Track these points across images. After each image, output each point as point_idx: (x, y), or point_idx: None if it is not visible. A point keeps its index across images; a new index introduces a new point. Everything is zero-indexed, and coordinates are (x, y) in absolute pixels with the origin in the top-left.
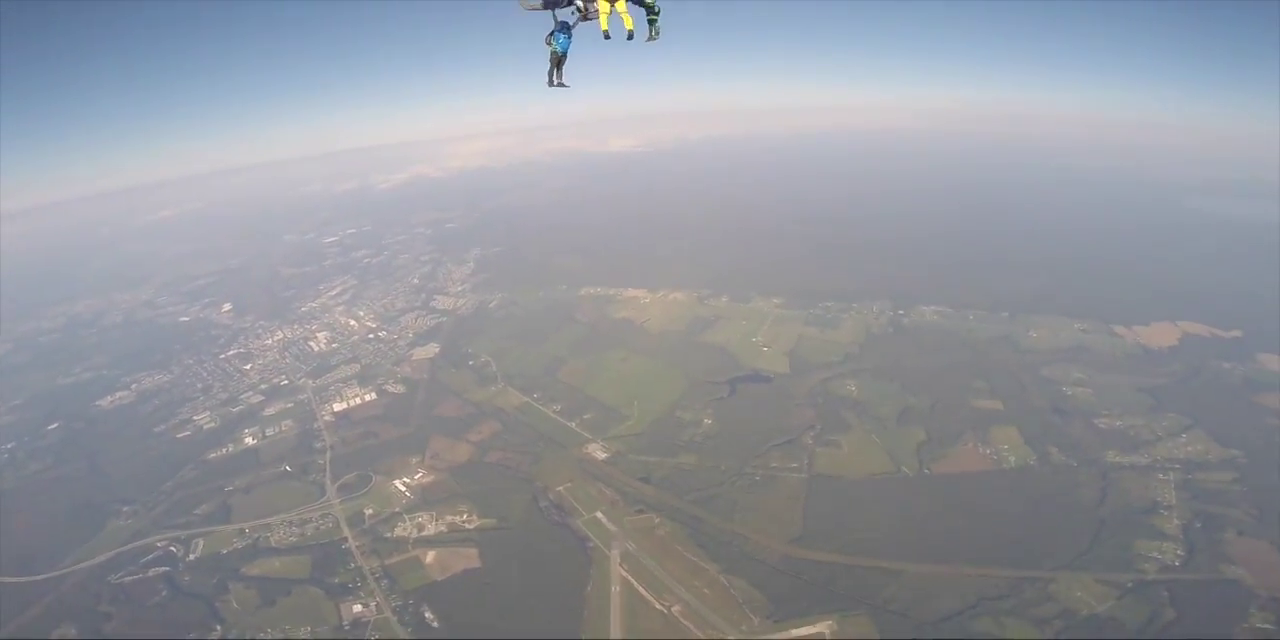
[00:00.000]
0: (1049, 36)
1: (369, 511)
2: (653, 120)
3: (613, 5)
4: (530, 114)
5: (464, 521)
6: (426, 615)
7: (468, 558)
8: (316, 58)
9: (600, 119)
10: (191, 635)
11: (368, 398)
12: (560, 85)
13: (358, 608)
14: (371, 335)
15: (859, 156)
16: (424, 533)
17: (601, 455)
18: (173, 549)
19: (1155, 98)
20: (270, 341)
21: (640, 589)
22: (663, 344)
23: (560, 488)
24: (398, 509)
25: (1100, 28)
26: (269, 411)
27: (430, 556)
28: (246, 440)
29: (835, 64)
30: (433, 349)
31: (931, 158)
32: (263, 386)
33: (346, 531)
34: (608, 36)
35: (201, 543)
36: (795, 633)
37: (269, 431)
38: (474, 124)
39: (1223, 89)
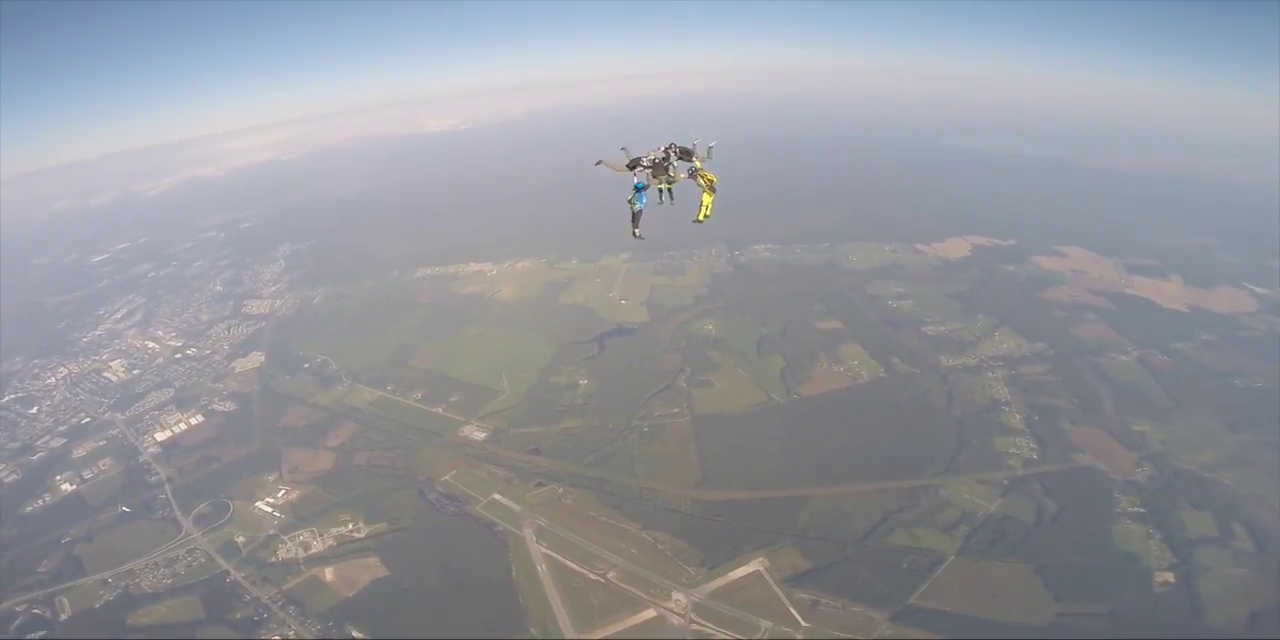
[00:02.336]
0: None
1: (240, 539)
2: (473, 97)
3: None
4: (327, 99)
5: (352, 531)
6: (354, 634)
7: (371, 567)
8: (26, 52)
9: (414, 99)
10: None
11: (194, 421)
12: (638, 237)
13: (277, 639)
14: (179, 355)
15: (673, 117)
16: (312, 551)
17: (481, 435)
18: (36, 611)
19: (912, 50)
20: (53, 380)
21: (568, 563)
22: (520, 312)
23: (446, 477)
24: (272, 531)
25: None
26: (78, 453)
27: (330, 574)
28: (63, 487)
29: (649, 33)
30: (257, 358)
31: (735, 115)
32: (60, 428)
33: (224, 564)
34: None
35: (66, 600)
36: (734, 575)
37: (86, 474)
38: (254, 115)
39: (964, 43)
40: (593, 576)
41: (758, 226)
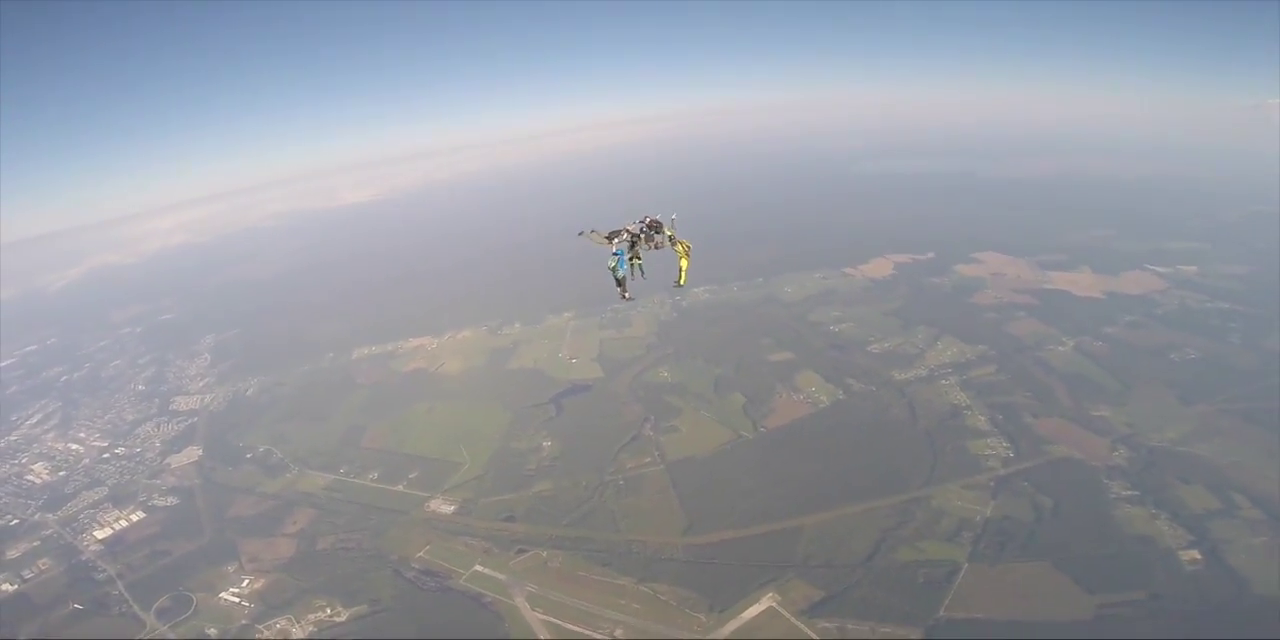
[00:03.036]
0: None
1: (212, 631)
2: (391, 164)
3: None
4: (236, 175)
5: (331, 616)
6: None
7: None
8: None
9: (328, 170)
10: None
11: (134, 517)
12: (628, 299)
13: None
14: (106, 454)
15: (593, 170)
16: (294, 638)
17: (449, 508)
18: None
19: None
20: None
21: (569, 626)
22: (468, 384)
23: (420, 553)
24: (244, 621)
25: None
26: (12, 554)
27: None
28: (3, 587)
29: (564, 89)
30: (193, 452)
31: (658, 164)
32: None
33: None
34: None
35: None
36: (747, 615)
37: (26, 574)
38: (160, 196)
39: (857, 71)
40: (598, 637)
41: (692, 270)
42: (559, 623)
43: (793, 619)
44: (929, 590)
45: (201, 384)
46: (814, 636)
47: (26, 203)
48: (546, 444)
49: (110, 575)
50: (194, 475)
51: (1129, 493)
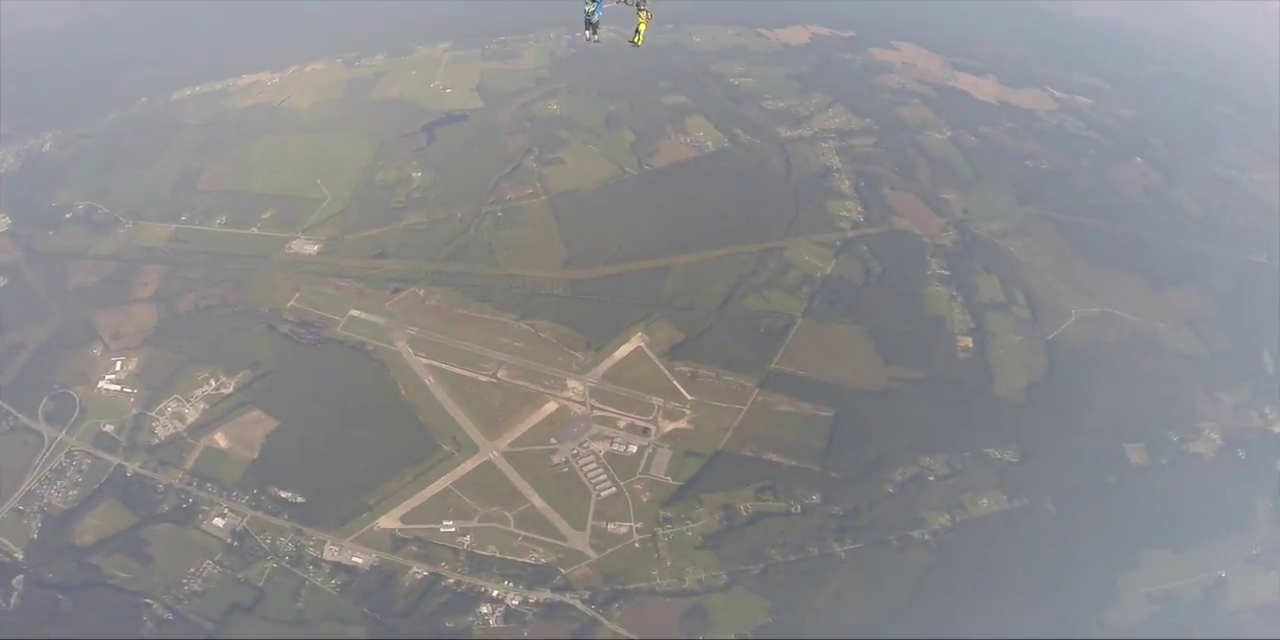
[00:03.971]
0: None
1: (109, 428)
2: None
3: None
4: None
5: (218, 388)
6: (282, 494)
7: (259, 422)
8: None
9: None
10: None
11: None
12: (595, 41)
13: (218, 521)
14: None
15: None
16: (190, 420)
17: (313, 248)
18: None
19: None
20: None
21: (454, 369)
22: (322, 115)
23: (291, 302)
24: (135, 410)
25: None
26: None
27: (221, 440)
28: None
29: None
30: (1, 221)
31: None
32: None
33: (113, 459)
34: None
35: (5, 540)
36: (618, 355)
37: None
38: None
39: None
40: (483, 379)
41: (607, 10)
42: (443, 366)
43: (656, 361)
44: (767, 341)
45: None
46: (673, 380)
47: None
48: (417, 175)
49: None
50: (11, 247)
51: (942, 271)
